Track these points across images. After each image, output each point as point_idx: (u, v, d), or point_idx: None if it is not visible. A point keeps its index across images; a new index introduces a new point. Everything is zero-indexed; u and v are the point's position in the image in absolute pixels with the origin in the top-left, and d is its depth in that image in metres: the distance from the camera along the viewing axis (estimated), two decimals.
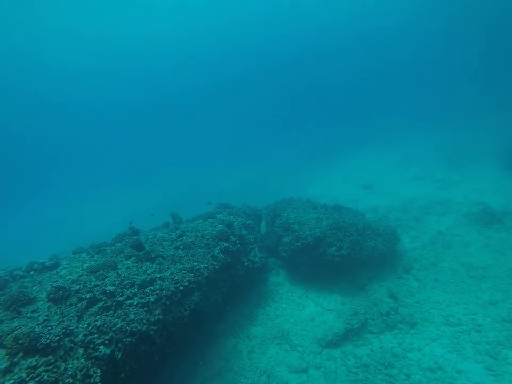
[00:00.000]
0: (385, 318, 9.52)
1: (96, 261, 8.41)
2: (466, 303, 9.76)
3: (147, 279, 7.36)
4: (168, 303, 7.09)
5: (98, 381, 5.25)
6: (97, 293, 6.76)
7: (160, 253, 8.63)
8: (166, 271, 7.85)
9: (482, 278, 10.69)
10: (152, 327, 6.63)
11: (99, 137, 78.08)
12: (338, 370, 8.26)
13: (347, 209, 13.54)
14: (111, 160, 64.72)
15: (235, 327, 9.94)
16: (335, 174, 29.52)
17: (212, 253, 9.23)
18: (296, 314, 10.26)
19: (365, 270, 11.47)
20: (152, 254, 8.40)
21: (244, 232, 11.21)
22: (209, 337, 9.58)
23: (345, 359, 8.56)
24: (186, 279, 7.73)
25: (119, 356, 5.97)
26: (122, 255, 8.69)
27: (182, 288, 7.46)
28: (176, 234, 9.86)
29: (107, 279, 7.32)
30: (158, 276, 7.57)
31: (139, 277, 7.43)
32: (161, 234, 10.05)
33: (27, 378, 4.55)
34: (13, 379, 4.50)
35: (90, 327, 6.00)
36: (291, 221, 11.93)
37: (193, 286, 7.81)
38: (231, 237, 10.05)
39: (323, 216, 12.05)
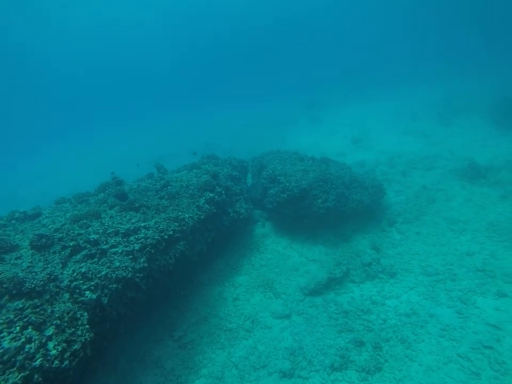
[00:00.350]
0: (366, 268, 9.87)
1: (79, 210, 8.31)
2: (445, 255, 10.16)
3: (131, 228, 7.35)
4: (153, 251, 7.14)
5: (86, 323, 5.39)
6: (81, 241, 6.77)
7: (144, 203, 8.55)
8: (150, 220, 7.82)
9: (462, 231, 11.05)
10: (138, 274, 6.73)
11: (85, 88, 74.91)
12: (319, 316, 8.67)
13: (334, 162, 13.52)
14: (95, 111, 62.59)
15: (220, 276, 10.21)
16: (324, 127, 29.08)
17: (197, 203, 9.19)
18: (281, 264, 10.55)
19: (349, 222, 11.70)
20: (136, 203, 8.31)
21: (229, 183, 11.13)
22: (196, 285, 9.84)
23: (326, 306, 8.96)
24: (171, 228, 7.73)
25: (106, 301, 6.09)
26: (105, 205, 8.61)
27: (167, 237, 7.48)
28: (160, 184, 9.69)
29: (90, 228, 7.31)
30: (142, 225, 7.56)
31: (123, 226, 7.41)
32: (145, 184, 9.89)
33: (15, 319, 4.66)
34: (1, 319, 4.57)
35: (75, 274, 6.06)
36: (277, 173, 11.86)
37: (178, 235, 7.83)
38: (217, 187, 9.98)
39: (310, 168, 12.00)
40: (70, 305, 5.43)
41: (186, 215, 8.48)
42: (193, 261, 8.84)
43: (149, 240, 7.20)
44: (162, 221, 7.87)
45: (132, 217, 7.88)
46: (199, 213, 8.96)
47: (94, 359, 6.71)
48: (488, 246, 10.23)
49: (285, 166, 12.45)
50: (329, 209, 10.81)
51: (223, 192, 10.14)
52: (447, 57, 40.36)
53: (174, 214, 8.28)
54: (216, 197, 9.70)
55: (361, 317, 8.45)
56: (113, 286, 6.29)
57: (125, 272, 6.48)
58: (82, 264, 6.35)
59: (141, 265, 6.82)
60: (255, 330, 8.47)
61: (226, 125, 34.88)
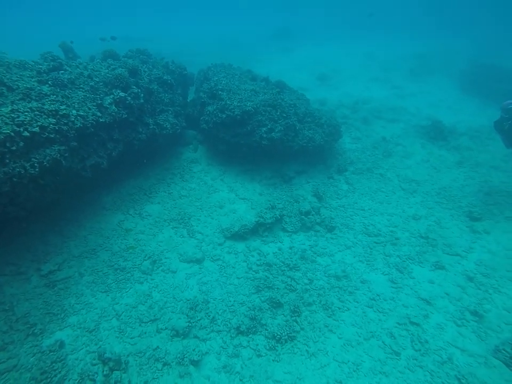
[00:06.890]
0: (303, 217, 8.40)
1: None
2: (391, 215, 8.99)
3: None
4: None
5: None
6: None
7: (8, 82, 5.81)
8: (5, 107, 5.24)
9: (413, 192, 9.93)
10: None
11: None
12: (237, 266, 7.16)
13: (292, 90, 11.32)
14: None
15: (127, 201, 8.16)
16: (292, 58, 26.31)
17: (100, 101, 6.68)
18: (205, 197, 8.70)
19: (295, 162, 9.98)
20: None
21: (155, 87, 8.55)
22: (92, 208, 7.75)
23: (248, 255, 7.45)
24: (39, 123, 5.26)
25: None
26: None
27: (28, 134, 5.03)
28: (48, 65, 6.79)
29: None
30: None
31: None
32: (24, 59, 6.72)
33: None
34: None
35: None
36: (220, 87, 9.44)
37: (52, 136, 5.40)
38: (133, 87, 7.42)
39: (261, 90, 9.73)
40: None
41: (74, 111, 5.97)
42: (86, 177, 6.63)
43: None
44: (27, 111, 5.29)
45: None
46: (98, 114, 6.47)
47: None
48: (436, 212, 9.21)
49: (231, 81, 9.98)
50: (274, 141, 8.86)
51: (141, 95, 7.60)
52: (436, 11, 37.80)
53: (53, 106, 5.73)
54: (129, 98, 7.20)
55: (286, 273, 7.07)
56: None
57: None
58: None
59: None
60: (155, 273, 6.78)
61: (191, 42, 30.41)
